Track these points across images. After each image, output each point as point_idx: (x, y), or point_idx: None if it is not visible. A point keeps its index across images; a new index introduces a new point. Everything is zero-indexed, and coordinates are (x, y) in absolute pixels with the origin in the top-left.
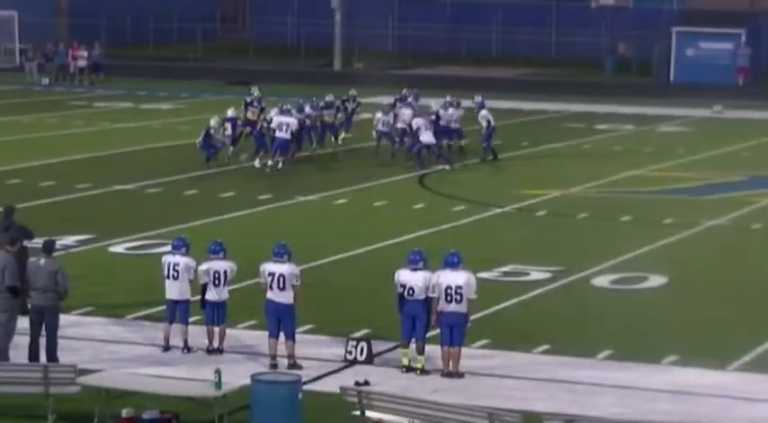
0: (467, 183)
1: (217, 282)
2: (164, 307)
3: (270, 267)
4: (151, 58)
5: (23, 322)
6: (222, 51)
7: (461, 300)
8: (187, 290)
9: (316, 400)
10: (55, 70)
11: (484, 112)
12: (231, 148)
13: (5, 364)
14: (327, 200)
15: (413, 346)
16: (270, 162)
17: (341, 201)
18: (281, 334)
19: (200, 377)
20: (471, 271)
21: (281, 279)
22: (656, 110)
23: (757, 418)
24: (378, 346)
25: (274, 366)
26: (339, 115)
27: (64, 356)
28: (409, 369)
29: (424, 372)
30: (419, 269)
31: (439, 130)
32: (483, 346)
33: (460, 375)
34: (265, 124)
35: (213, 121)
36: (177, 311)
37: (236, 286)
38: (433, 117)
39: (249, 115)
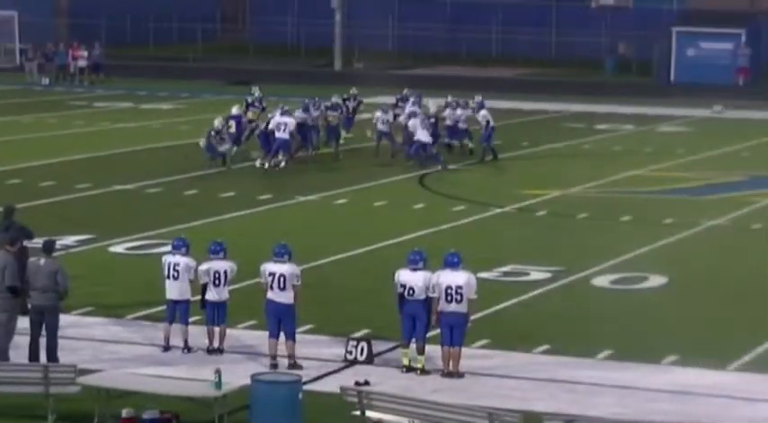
0: (467, 183)
1: (217, 282)
2: (164, 307)
3: (270, 267)
4: (151, 58)
5: (23, 322)
6: (222, 51)
7: (461, 300)
8: (187, 290)
9: (316, 400)
10: (55, 70)
11: (483, 112)
12: (234, 148)
13: (5, 364)
14: (327, 200)
15: (413, 346)
16: (267, 164)
17: (341, 201)
18: (282, 334)
19: (201, 377)
20: (471, 271)
21: (282, 279)
22: (656, 110)
23: (757, 418)
24: (378, 346)
25: (274, 366)
26: (339, 114)
27: (64, 356)
28: (409, 369)
29: (424, 372)
30: (419, 269)
31: (436, 130)
32: (483, 346)
33: (461, 375)
34: (262, 125)
35: (217, 122)
36: (177, 311)
37: (236, 286)
38: (433, 119)
39: (250, 116)
